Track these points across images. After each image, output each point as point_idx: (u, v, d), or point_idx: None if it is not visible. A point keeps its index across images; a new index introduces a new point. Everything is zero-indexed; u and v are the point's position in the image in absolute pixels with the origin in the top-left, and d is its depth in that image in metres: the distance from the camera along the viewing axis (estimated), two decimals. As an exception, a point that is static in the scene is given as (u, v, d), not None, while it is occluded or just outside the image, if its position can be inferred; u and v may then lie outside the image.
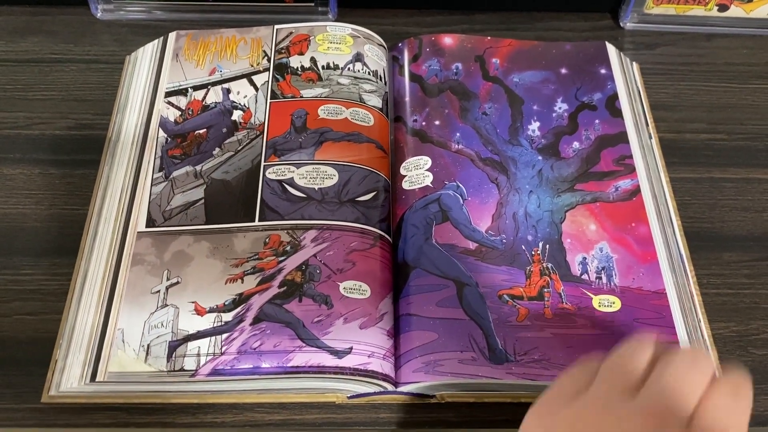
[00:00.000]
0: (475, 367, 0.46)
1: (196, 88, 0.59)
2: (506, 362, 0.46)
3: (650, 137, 0.60)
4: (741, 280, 0.54)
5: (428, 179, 0.54)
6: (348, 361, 0.45)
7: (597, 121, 0.58)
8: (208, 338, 0.46)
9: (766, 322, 0.52)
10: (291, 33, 0.62)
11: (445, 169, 0.55)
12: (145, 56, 0.62)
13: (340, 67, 0.59)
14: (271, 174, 0.53)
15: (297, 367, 0.45)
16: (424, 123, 0.57)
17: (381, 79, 0.60)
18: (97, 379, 0.45)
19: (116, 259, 0.50)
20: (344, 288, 0.48)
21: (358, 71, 0.59)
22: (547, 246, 0.52)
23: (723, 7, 0.67)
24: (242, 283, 0.48)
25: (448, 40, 0.63)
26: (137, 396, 0.47)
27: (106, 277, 0.50)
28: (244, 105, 0.58)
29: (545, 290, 0.50)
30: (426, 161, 0.55)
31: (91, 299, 0.49)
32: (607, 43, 0.64)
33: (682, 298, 0.51)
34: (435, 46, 0.62)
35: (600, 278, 0.51)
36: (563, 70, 0.61)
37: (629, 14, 0.68)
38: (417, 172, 0.54)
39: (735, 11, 0.67)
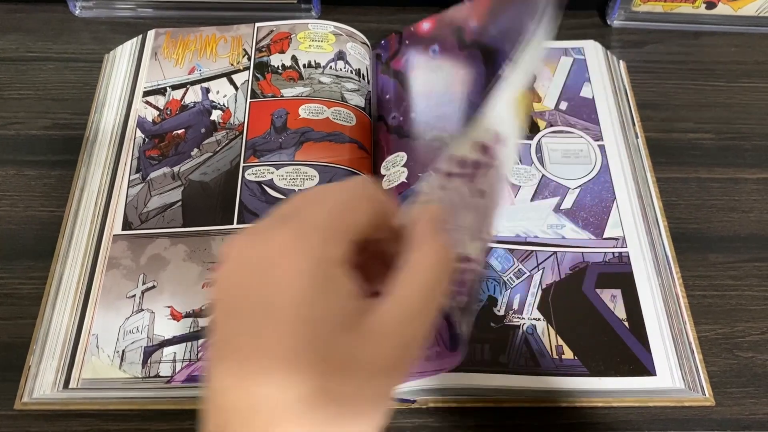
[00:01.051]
0: (439, 361, 0.45)
1: (174, 87, 0.58)
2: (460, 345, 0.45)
3: (637, 136, 0.59)
4: (727, 281, 0.53)
5: (403, 175, 0.53)
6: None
7: None
8: (185, 344, 0.45)
9: (753, 324, 0.51)
10: (272, 31, 0.61)
11: (418, 162, 0.54)
12: (123, 54, 0.61)
13: (321, 65, 0.58)
14: (251, 175, 0.52)
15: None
16: (401, 118, 0.57)
17: (364, 78, 0.59)
18: (70, 386, 0.44)
19: (91, 262, 0.49)
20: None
21: (341, 70, 0.58)
22: None
23: (711, 5, 0.66)
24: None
25: (426, 25, 0.61)
26: (112, 402, 0.46)
27: (81, 281, 0.49)
28: (224, 105, 0.57)
29: None
30: (402, 157, 0.54)
31: (65, 304, 0.48)
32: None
33: (668, 300, 0.50)
34: (414, 37, 0.61)
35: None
36: None
37: (616, 12, 0.67)
38: (394, 170, 0.53)
39: (723, 9, 0.67)
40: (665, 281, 0.51)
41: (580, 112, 0.59)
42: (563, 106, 0.60)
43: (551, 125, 0.58)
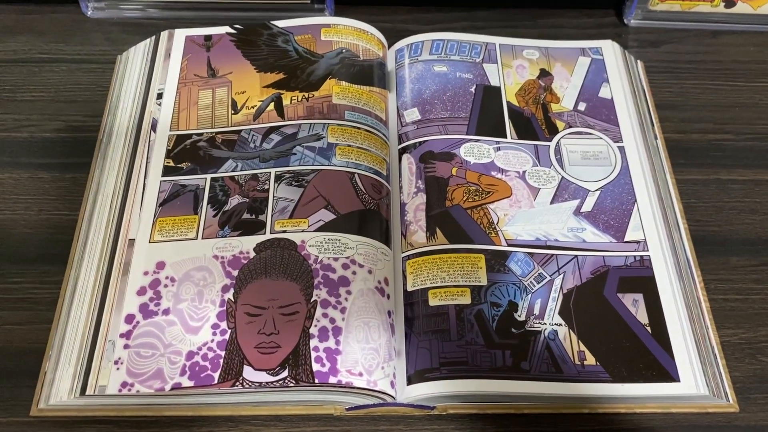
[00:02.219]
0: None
1: (188, 88, 0.57)
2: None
3: (656, 137, 0.58)
4: (749, 285, 0.53)
5: None
6: (346, 373, 0.44)
7: None
8: (203, 350, 0.45)
9: (776, 329, 0.51)
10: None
11: None
12: (136, 56, 0.61)
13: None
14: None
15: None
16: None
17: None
18: (87, 393, 0.44)
19: (107, 266, 0.49)
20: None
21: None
22: None
23: (730, 3, 0.66)
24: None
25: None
26: (129, 409, 0.45)
27: (97, 286, 0.48)
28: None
29: None
30: None
31: (81, 309, 0.47)
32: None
33: (690, 304, 0.49)
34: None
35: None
36: None
37: (633, 11, 0.66)
38: None
39: (742, 7, 0.66)
40: (687, 285, 0.50)
41: (599, 113, 0.59)
42: (582, 107, 0.59)
43: (570, 126, 0.58)
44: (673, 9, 0.66)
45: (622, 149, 0.56)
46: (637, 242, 0.52)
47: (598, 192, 0.54)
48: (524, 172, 0.55)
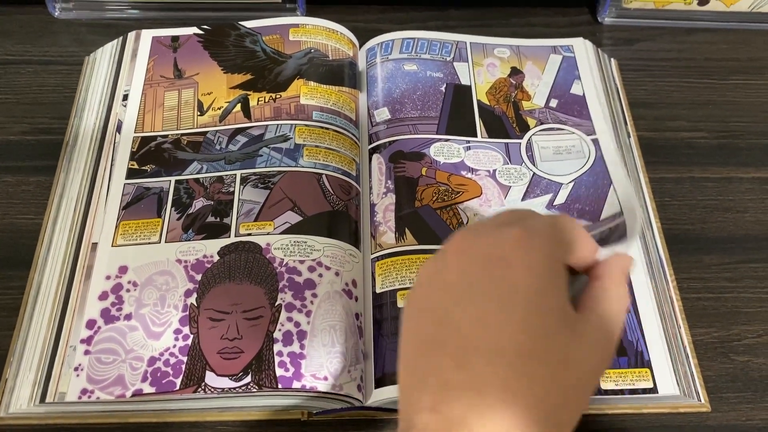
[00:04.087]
0: None
1: (155, 90, 0.57)
2: None
3: (629, 135, 0.58)
4: (722, 283, 0.52)
5: None
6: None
7: None
8: (165, 355, 0.44)
9: (748, 327, 0.50)
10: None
11: None
12: (104, 57, 0.60)
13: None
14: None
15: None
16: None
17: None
18: (47, 400, 0.43)
19: (70, 271, 0.48)
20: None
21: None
22: None
23: (703, 1, 0.65)
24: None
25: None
26: (92, 416, 0.44)
27: (59, 292, 0.47)
28: (206, 107, 0.55)
29: None
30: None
31: (43, 315, 0.47)
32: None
33: (662, 303, 0.49)
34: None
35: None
36: None
37: (607, 9, 0.66)
38: None
39: (715, 5, 0.66)
40: (659, 284, 0.50)
41: (571, 109, 0.58)
42: (553, 103, 0.58)
43: (541, 123, 0.57)
44: (646, 7, 0.66)
45: (595, 141, 0.56)
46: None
47: (571, 184, 0.53)
48: (495, 170, 0.54)
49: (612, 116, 0.58)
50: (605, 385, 0.45)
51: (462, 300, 0.29)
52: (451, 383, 0.27)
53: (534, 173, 0.54)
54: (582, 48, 0.62)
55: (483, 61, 0.61)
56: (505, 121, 0.57)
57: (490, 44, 0.62)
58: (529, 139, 0.56)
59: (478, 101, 0.58)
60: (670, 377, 0.46)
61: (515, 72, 0.60)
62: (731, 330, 0.50)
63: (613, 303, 0.32)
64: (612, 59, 0.63)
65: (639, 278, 0.50)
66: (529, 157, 0.55)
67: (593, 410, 0.46)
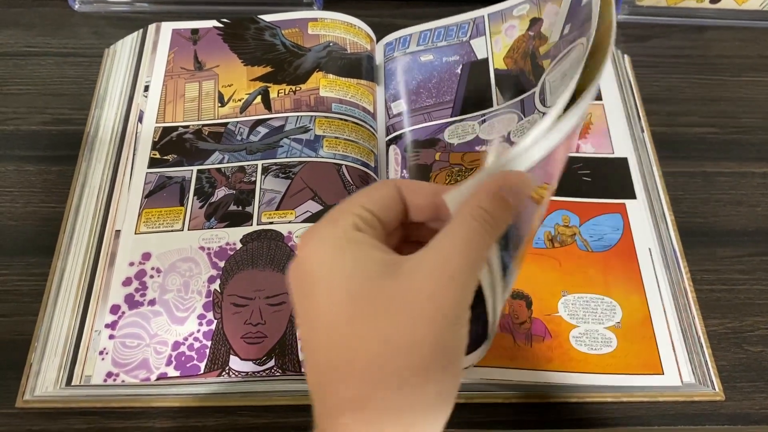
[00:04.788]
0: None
1: (176, 81, 0.57)
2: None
3: (642, 131, 0.58)
4: (735, 275, 0.53)
5: None
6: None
7: None
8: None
9: (761, 318, 0.51)
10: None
11: None
12: (124, 49, 0.60)
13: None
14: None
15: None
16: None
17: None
18: (72, 383, 0.44)
19: (93, 258, 0.49)
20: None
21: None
22: None
23: (715, -1, 0.66)
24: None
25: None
26: (116, 400, 0.45)
27: (83, 278, 0.48)
28: (226, 99, 0.56)
29: None
30: None
31: (67, 300, 0.47)
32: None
33: (677, 294, 0.50)
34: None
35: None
36: None
37: (620, 6, 0.66)
38: None
39: (727, 3, 0.66)
40: (674, 276, 0.50)
41: (579, 21, 0.57)
42: (566, 30, 0.57)
43: (553, 59, 0.56)
44: (659, 5, 0.67)
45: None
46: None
47: None
48: (509, 132, 0.53)
49: (626, 111, 0.59)
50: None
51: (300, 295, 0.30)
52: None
53: (543, 114, 0.53)
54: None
55: (501, 27, 0.59)
56: (523, 78, 0.56)
57: (509, 8, 0.60)
58: (542, 82, 0.54)
59: (495, 70, 0.57)
60: (685, 366, 0.46)
61: (534, 22, 0.58)
62: (744, 321, 0.51)
63: (459, 229, 0.27)
64: (625, 55, 0.64)
65: (656, 271, 0.50)
66: (542, 100, 0.53)
67: (609, 398, 0.47)
